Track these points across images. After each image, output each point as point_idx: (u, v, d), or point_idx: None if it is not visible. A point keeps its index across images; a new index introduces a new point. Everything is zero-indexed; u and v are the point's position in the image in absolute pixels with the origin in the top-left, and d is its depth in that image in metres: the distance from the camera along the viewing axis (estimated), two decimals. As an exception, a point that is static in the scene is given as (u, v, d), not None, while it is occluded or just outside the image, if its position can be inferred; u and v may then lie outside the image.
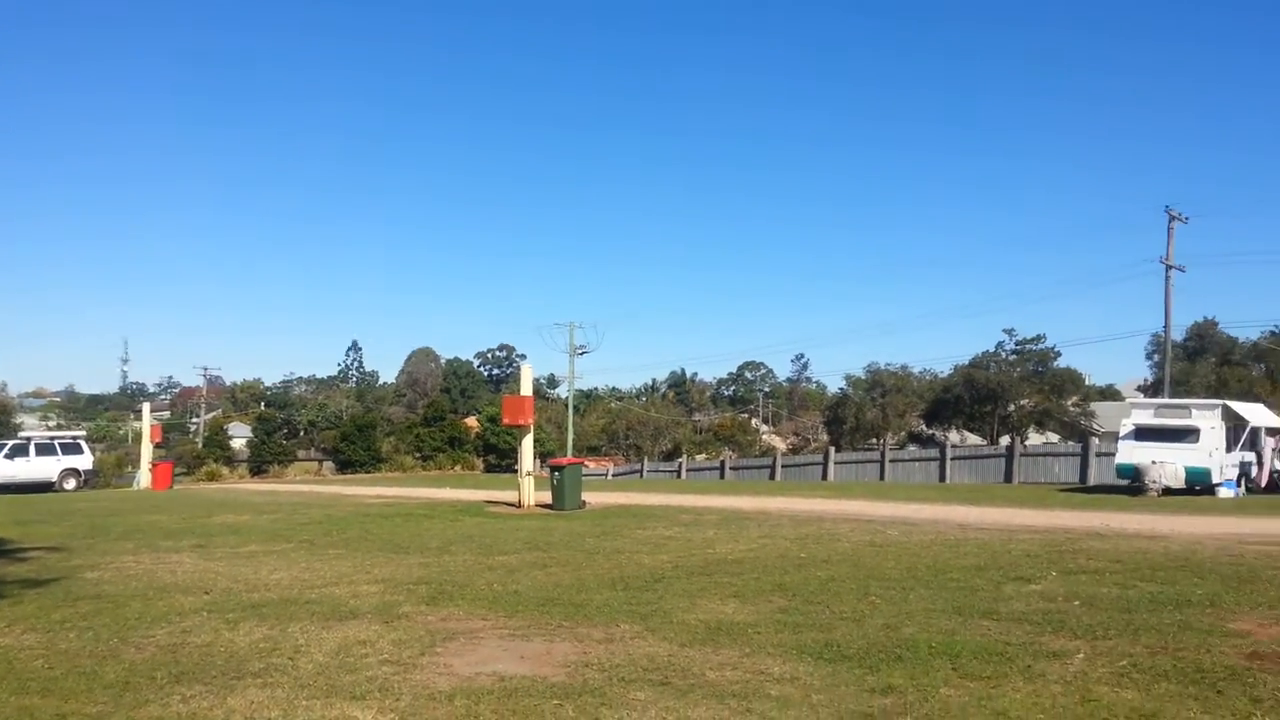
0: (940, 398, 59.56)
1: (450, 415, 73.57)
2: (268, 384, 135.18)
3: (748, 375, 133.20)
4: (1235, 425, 26.09)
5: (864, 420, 61.49)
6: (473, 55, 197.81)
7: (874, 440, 60.91)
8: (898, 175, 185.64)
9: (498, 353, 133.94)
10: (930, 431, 60.50)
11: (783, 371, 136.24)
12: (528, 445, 22.97)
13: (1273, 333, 72.91)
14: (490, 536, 16.07)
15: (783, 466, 47.69)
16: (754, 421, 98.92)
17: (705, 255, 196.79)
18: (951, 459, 40.19)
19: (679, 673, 6.31)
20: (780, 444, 79.22)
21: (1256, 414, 27.91)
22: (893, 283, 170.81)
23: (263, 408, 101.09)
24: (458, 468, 63.28)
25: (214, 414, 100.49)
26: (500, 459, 60.57)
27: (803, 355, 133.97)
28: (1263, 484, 26.09)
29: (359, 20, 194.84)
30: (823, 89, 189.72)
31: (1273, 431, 27.76)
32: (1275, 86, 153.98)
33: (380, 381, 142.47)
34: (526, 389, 23.54)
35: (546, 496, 22.31)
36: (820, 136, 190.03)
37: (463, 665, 6.68)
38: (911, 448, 55.52)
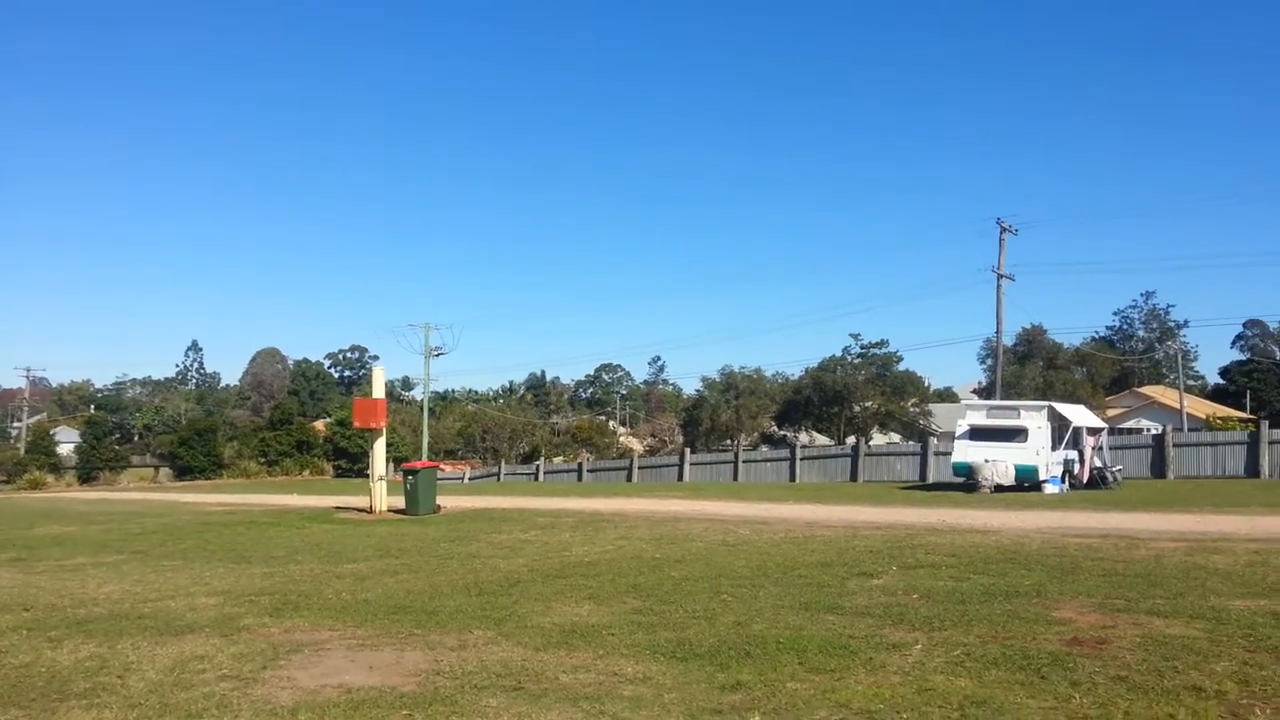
0: (791, 400, 61.38)
1: (299, 418, 71.25)
2: (98, 386, 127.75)
3: (605, 377, 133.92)
4: (1060, 425, 27.88)
5: (719, 422, 62.70)
6: (310, 49, 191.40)
7: (728, 441, 62.18)
8: (749, 180, 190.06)
9: (349, 354, 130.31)
10: (782, 432, 62.20)
11: (640, 374, 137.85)
12: (380, 449, 22.44)
13: (1093, 339, 78.47)
14: (339, 544, 15.62)
15: (640, 468, 48.19)
16: (612, 423, 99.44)
17: (563, 257, 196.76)
18: (801, 459, 41.44)
19: (532, 677, 6.27)
20: (637, 445, 79.85)
21: (1078, 415, 29.91)
22: (746, 286, 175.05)
23: (93, 411, 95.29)
24: (306, 473, 61.39)
25: (38, 418, 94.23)
26: (351, 464, 58.99)
27: (659, 358, 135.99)
28: (1084, 480, 27.94)
29: (185, 12, 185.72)
30: (670, 93, 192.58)
31: (1093, 431, 29.80)
32: (1093, 107, 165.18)
33: (223, 383, 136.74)
34: (379, 391, 23.00)
35: (399, 501, 21.85)
36: (669, 139, 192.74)
37: (307, 678, 6.45)
38: (764, 448, 56.97)
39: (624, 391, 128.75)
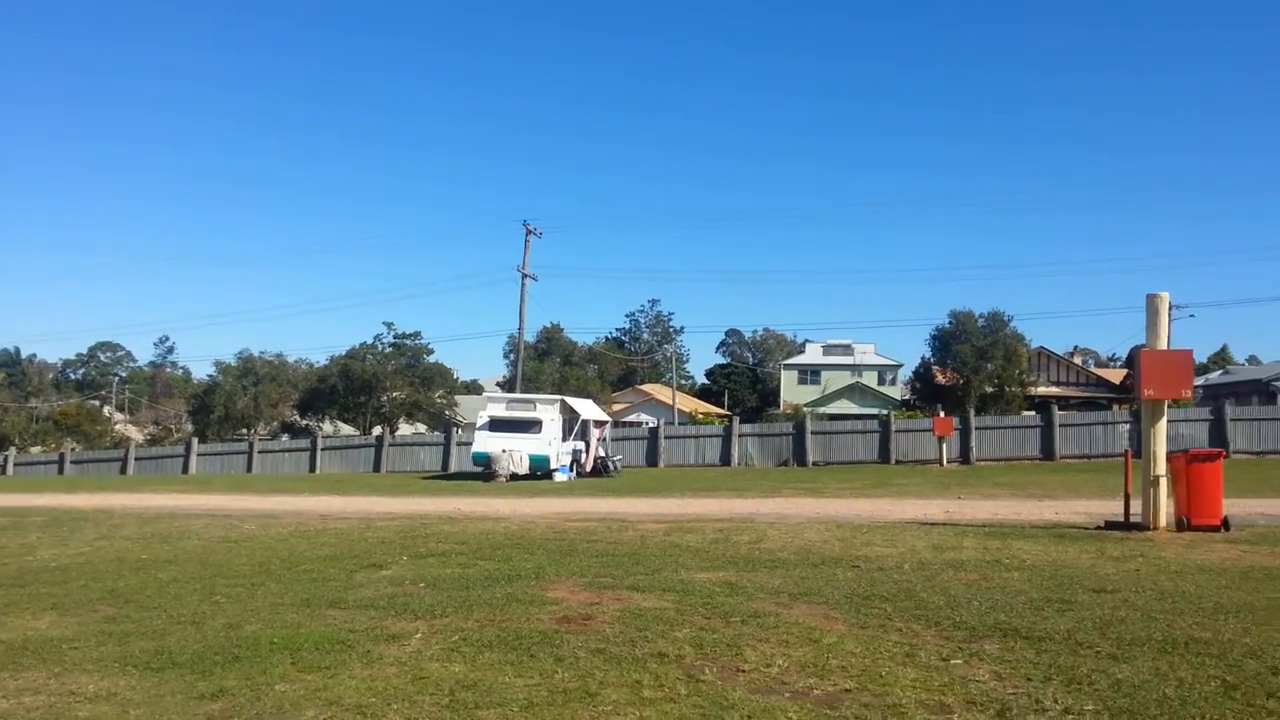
0: (316, 388, 59.21)
1: None
2: None
3: (102, 357, 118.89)
4: (570, 418, 29.99)
5: (234, 410, 58.63)
6: None
7: (245, 431, 58.40)
8: (289, 157, 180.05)
9: None
10: (305, 422, 59.78)
11: (144, 355, 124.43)
12: None
13: (606, 339, 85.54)
14: None
15: (137, 459, 43.72)
16: (107, 409, 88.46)
17: (42, 223, 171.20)
18: (323, 449, 40.27)
19: (-41, 707, 5.29)
20: (138, 434, 71.99)
21: (587, 408, 32.43)
22: (271, 267, 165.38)
23: None
24: None
25: None
26: None
27: (167, 338, 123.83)
28: (589, 469, 30.33)
29: None
30: (213, 59, 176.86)
31: (599, 424, 32.51)
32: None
33: None
34: None
35: None
36: (204, 109, 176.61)
37: None
38: (284, 438, 54.33)
39: (124, 374, 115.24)
